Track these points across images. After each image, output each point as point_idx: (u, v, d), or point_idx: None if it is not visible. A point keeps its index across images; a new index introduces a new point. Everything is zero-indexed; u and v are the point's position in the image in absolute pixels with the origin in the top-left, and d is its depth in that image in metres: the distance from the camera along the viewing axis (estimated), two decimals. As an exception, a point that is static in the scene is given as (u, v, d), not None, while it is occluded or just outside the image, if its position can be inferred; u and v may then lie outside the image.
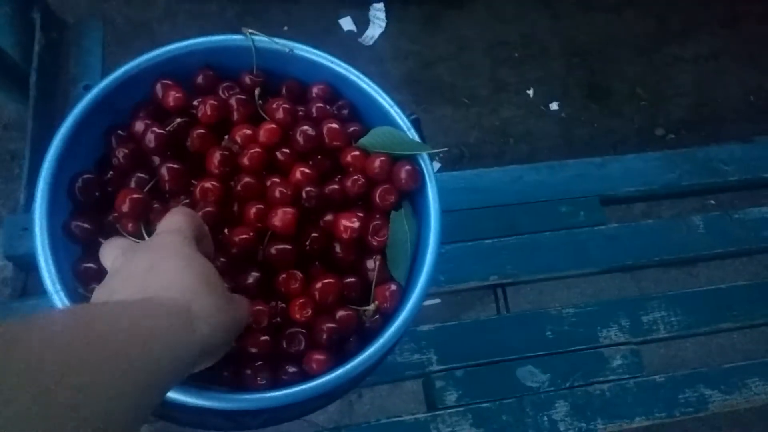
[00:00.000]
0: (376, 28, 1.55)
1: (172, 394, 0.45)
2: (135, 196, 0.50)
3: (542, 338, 0.80)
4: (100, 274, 0.48)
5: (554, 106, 1.59)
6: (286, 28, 1.46)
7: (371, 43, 1.54)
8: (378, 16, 1.56)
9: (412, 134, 0.55)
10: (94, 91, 0.53)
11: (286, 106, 0.54)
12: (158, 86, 0.54)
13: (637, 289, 0.92)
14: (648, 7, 1.72)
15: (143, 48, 0.55)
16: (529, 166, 0.89)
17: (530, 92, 1.59)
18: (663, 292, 0.85)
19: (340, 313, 0.51)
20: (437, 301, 1.09)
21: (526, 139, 1.53)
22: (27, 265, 0.76)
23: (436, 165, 1.35)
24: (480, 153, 1.49)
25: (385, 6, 1.57)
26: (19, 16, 0.93)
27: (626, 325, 0.82)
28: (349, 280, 0.52)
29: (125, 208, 0.50)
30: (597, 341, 0.81)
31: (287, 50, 0.56)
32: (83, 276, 0.50)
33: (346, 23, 1.54)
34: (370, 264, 0.53)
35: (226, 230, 0.51)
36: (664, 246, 0.87)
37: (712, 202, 1.11)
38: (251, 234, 0.50)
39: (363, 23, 1.56)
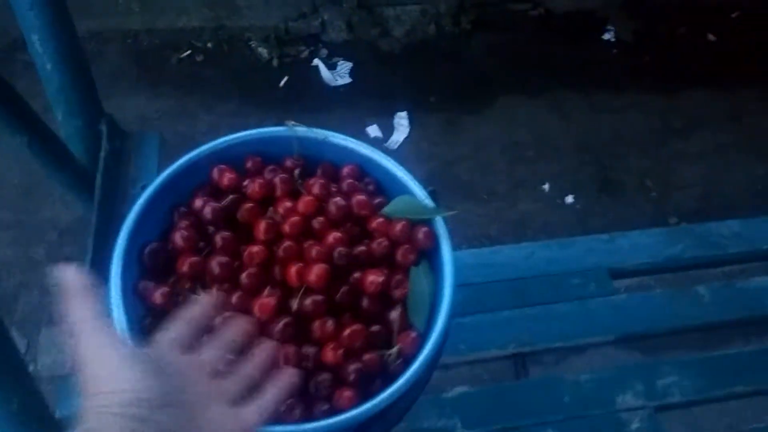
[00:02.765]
0: (400, 134, 1.69)
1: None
2: (193, 259, 0.60)
3: (560, 403, 0.85)
4: (156, 325, 0.57)
5: (569, 199, 1.68)
6: (317, 136, 1.61)
7: (396, 147, 1.68)
8: (402, 123, 1.71)
9: (428, 202, 0.64)
10: (163, 176, 0.64)
11: (322, 181, 0.64)
12: (215, 170, 0.65)
13: (650, 355, 0.97)
14: (651, 108, 1.85)
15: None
16: (541, 243, 0.97)
17: (546, 187, 1.69)
18: (675, 357, 0.90)
19: (367, 357, 0.58)
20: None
21: (544, 231, 1.61)
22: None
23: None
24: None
25: (408, 114, 1.72)
26: (88, 128, 1.07)
27: (642, 390, 0.87)
28: (374, 328, 0.59)
29: (185, 269, 0.59)
30: (614, 405, 0.85)
31: (322, 138, 0.67)
32: (144, 332, 0.58)
33: (373, 130, 1.69)
34: (393, 314, 0.61)
35: (267, 288, 0.60)
36: (672, 315, 0.93)
37: (715, 273, 1.16)
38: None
39: (388, 129, 1.71)
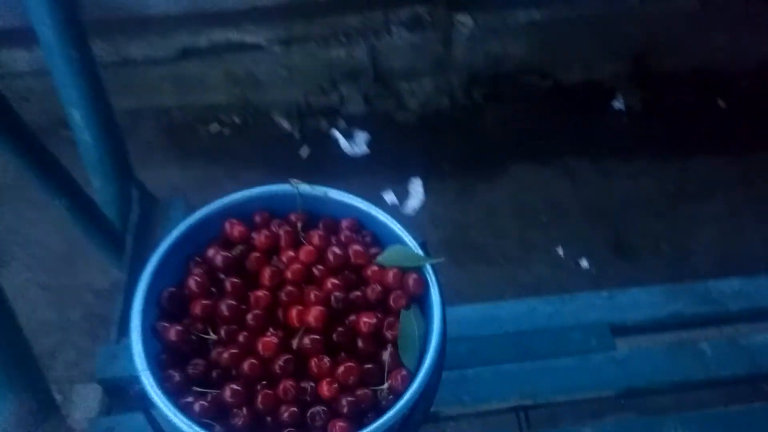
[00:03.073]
0: (415, 200, 1.77)
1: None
2: (204, 302, 0.66)
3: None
4: (170, 360, 0.63)
5: (584, 262, 1.71)
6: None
7: (411, 212, 1.74)
8: (416, 189, 1.78)
9: (419, 251, 0.70)
10: (179, 229, 0.71)
11: (321, 233, 0.71)
12: (227, 224, 0.72)
13: (652, 410, 0.98)
14: (663, 173, 1.90)
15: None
16: (543, 299, 1.01)
17: (559, 251, 1.73)
18: (678, 413, 0.91)
19: (360, 392, 0.62)
20: None
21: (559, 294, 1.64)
22: (113, 388, 0.90)
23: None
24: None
25: (422, 181, 1.80)
26: (121, 194, 1.16)
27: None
28: (368, 366, 0.64)
29: (197, 311, 0.65)
30: (616, 458, 0.87)
31: (323, 194, 0.74)
32: (161, 365, 0.64)
33: (389, 197, 1.76)
34: (385, 354, 0.65)
35: (271, 329, 0.65)
36: (674, 371, 0.94)
37: (717, 332, 1.17)
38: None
39: (404, 196, 1.78)
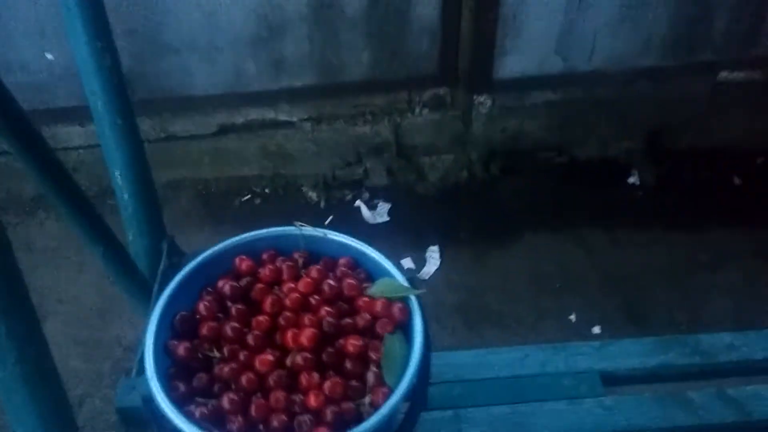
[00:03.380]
0: (432, 266, 1.84)
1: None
2: (211, 324, 0.75)
3: (550, 493, 0.90)
4: (178, 373, 0.71)
5: (596, 329, 1.75)
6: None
7: (427, 277, 1.82)
8: (433, 256, 1.86)
9: (405, 284, 0.78)
10: (194, 263, 0.81)
11: (319, 268, 0.80)
12: (237, 259, 0.82)
13: None
14: (677, 244, 1.94)
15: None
16: (536, 346, 1.06)
17: (572, 317, 1.77)
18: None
19: (344, 405, 0.69)
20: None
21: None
22: (130, 417, 0.98)
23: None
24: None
25: (439, 248, 1.89)
26: (152, 247, 1.27)
27: (630, 485, 0.91)
28: (353, 383, 0.71)
29: (204, 331, 0.74)
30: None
31: (322, 235, 0.84)
32: (169, 377, 0.72)
33: (407, 262, 1.85)
34: (370, 374, 0.72)
35: (269, 349, 0.74)
36: (663, 418, 0.98)
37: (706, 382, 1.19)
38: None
39: (421, 262, 1.86)
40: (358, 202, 2.03)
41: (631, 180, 2.16)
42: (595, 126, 2.19)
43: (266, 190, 2.08)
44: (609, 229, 1.99)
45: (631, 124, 2.20)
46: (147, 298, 1.25)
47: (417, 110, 2.13)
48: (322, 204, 2.04)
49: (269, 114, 2.06)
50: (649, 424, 0.97)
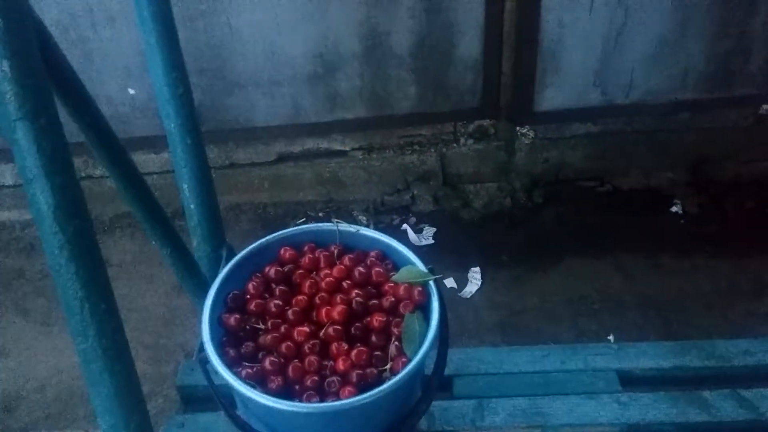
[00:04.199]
0: (473, 286, 1.93)
1: (269, 402, 0.75)
2: (258, 301, 0.88)
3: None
4: (229, 342, 0.84)
5: (634, 350, 1.78)
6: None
7: (469, 296, 1.91)
8: (475, 276, 1.95)
9: (425, 270, 0.89)
10: (247, 249, 0.94)
11: (352, 257, 0.92)
12: (281, 249, 0.95)
13: None
14: (718, 271, 1.96)
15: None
16: (557, 346, 1.14)
17: (611, 338, 1.82)
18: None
19: (368, 370, 0.80)
20: None
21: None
22: (187, 395, 1.11)
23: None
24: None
25: (480, 269, 1.97)
26: (213, 252, 1.42)
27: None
28: (377, 353, 0.82)
29: (252, 307, 0.87)
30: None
31: (356, 230, 0.96)
32: (221, 345, 0.85)
33: (449, 282, 1.94)
34: (392, 346, 0.83)
35: (306, 324, 0.86)
36: (676, 414, 1.03)
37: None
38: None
39: (463, 282, 1.95)
40: (404, 226, 2.15)
41: (674, 209, 2.20)
42: (636, 156, 2.25)
43: (320, 214, 2.22)
44: (650, 256, 2.03)
45: (673, 154, 2.25)
46: (204, 295, 1.39)
47: (462, 141, 2.25)
48: (371, 227, 2.17)
49: (324, 144, 2.22)
50: (663, 419, 1.03)
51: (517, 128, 2.21)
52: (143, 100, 2.08)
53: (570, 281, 1.96)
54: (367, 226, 2.16)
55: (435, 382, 0.86)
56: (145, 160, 2.18)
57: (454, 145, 2.25)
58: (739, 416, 1.02)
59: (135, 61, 1.99)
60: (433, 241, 2.10)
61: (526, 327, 1.85)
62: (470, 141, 2.25)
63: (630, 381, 1.10)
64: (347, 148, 2.23)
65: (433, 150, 2.24)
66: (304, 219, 2.21)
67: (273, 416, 0.80)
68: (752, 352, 1.12)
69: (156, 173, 2.19)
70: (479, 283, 1.94)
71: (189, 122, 1.30)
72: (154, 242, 1.29)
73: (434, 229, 2.14)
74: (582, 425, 1.02)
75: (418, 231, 2.13)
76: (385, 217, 2.20)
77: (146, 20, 1.08)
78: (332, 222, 0.97)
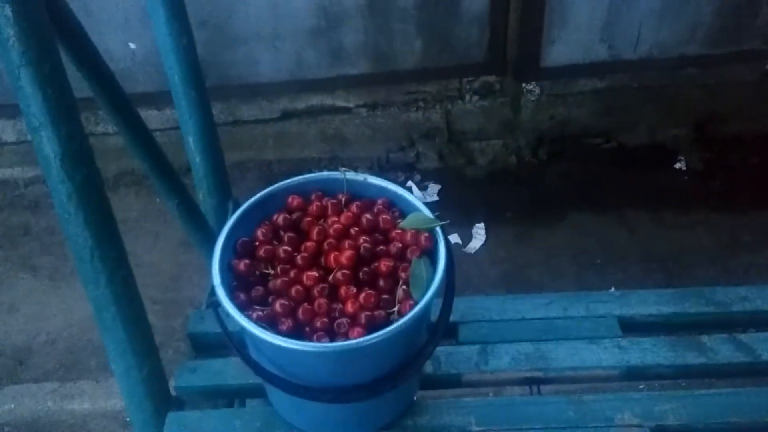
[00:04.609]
0: (477, 241, 1.95)
1: (280, 342, 0.77)
2: (267, 247, 0.89)
3: (566, 416, 0.99)
4: (239, 286, 0.85)
5: (636, 303, 1.81)
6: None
7: (473, 252, 1.93)
8: (479, 232, 1.97)
9: (432, 217, 0.90)
10: (255, 197, 0.95)
11: (359, 204, 0.93)
12: (289, 197, 0.96)
13: (649, 387, 1.07)
14: (720, 226, 1.98)
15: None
16: (559, 294, 1.16)
17: (612, 291, 1.83)
18: (675, 393, 1.02)
19: (376, 312, 0.82)
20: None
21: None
22: (198, 342, 1.14)
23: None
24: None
25: (485, 225, 1.99)
26: (219, 205, 1.43)
27: (639, 412, 0.99)
28: (384, 296, 0.84)
29: (261, 253, 0.88)
30: (612, 422, 0.98)
31: (363, 179, 0.97)
32: (232, 290, 0.86)
33: (453, 238, 1.96)
34: (399, 290, 0.85)
35: (314, 269, 0.87)
36: (674, 357, 1.05)
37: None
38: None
39: (467, 238, 1.97)
40: (409, 183, 2.16)
41: (678, 165, 2.21)
42: (642, 112, 2.25)
43: (324, 171, 2.23)
44: (653, 211, 2.05)
45: (679, 110, 2.24)
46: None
47: (467, 97, 2.25)
48: (376, 184, 2.17)
49: (328, 100, 2.22)
50: (662, 362, 1.05)
51: (523, 84, 2.20)
52: (144, 55, 2.07)
53: (574, 237, 1.98)
54: (372, 182, 2.16)
55: (441, 326, 0.88)
56: (147, 117, 2.16)
57: (460, 101, 2.24)
58: (736, 359, 1.04)
59: (134, 14, 1.97)
60: (437, 198, 2.11)
61: (530, 281, 1.87)
62: (475, 98, 2.24)
63: (631, 327, 1.12)
64: (351, 105, 2.22)
65: (438, 107, 2.24)
66: (308, 176, 2.21)
67: (284, 357, 0.82)
68: (750, 298, 1.13)
69: (158, 130, 2.19)
70: (483, 238, 1.96)
71: (193, 73, 1.29)
72: (161, 195, 1.30)
73: (439, 186, 2.14)
74: (584, 368, 1.05)
75: (422, 188, 2.14)
76: (389, 174, 2.21)
77: (147, -33, 1.07)
78: (339, 171, 0.97)
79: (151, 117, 2.19)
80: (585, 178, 2.18)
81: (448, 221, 0.90)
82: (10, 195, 2.24)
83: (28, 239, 2.11)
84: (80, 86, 0.78)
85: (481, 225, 1.99)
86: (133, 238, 2.03)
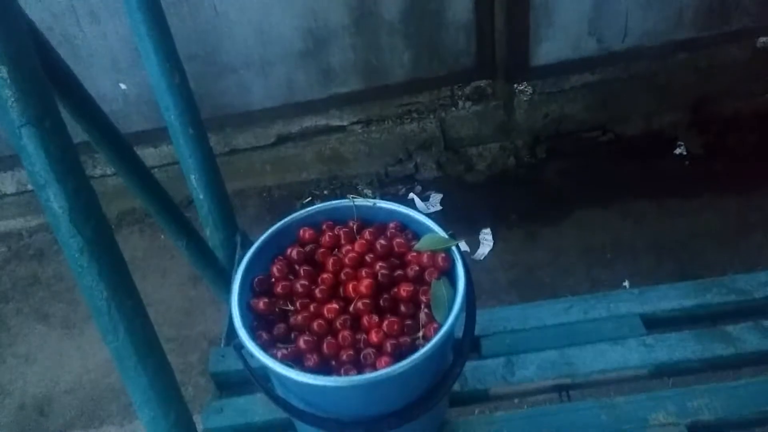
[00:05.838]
0: (485, 247, 1.94)
1: (309, 380, 0.76)
2: (284, 283, 0.88)
3: (598, 420, 0.98)
4: (260, 325, 0.85)
5: (651, 294, 1.80)
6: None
7: (482, 258, 1.92)
8: (486, 238, 1.96)
9: (446, 237, 0.89)
10: (266, 234, 0.94)
11: (372, 230, 0.92)
12: (300, 230, 0.95)
13: (682, 385, 1.06)
14: (726, 208, 1.97)
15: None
16: (578, 297, 1.15)
17: (626, 284, 1.83)
18: (707, 387, 1.01)
19: (401, 339, 0.81)
20: None
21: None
22: (220, 381, 1.13)
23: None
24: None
25: (491, 230, 1.98)
26: (227, 240, 1.42)
27: (674, 410, 0.98)
28: (407, 322, 0.83)
29: (279, 289, 0.88)
30: (647, 422, 0.97)
31: (372, 204, 0.96)
32: (253, 330, 0.86)
33: (462, 246, 1.95)
34: (422, 314, 0.84)
35: (334, 301, 0.86)
36: (702, 350, 1.04)
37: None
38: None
39: (475, 245, 1.96)
40: (411, 195, 2.15)
41: (678, 151, 2.20)
42: (636, 102, 2.25)
43: (325, 192, 2.23)
44: (658, 199, 2.04)
45: (673, 96, 2.24)
46: (227, 284, 1.40)
47: (460, 104, 2.24)
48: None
49: (322, 121, 2.21)
50: (690, 356, 1.04)
51: (515, 86, 2.20)
52: (136, 94, 2.06)
53: (581, 233, 1.97)
54: (373, 198, 2.16)
55: (467, 344, 0.87)
56: (144, 155, 2.16)
57: (453, 109, 2.24)
58: (764, 346, 1.04)
59: (123, 55, 1.97)
60: (441, 207, 2.10)
61: (541, 282, 1.86)
62: (468, 103, 2.24)
63: (654, 324, 1.11)
64: (345, 123, 2.22)
65: (431, 116, 2.23)
66: (309, 198, 2.21)
67: (313, 393, 0.81)
68: (772, 284, 1.13)
69: (156, 167, 2.19)
70: (491, 244, 1.95)
71: (189, 111, 1.29)
72: (168, 235, 1.29)
73: (441, 195, 2.14)
74: (612, 370, 1.04)
75: (425, 199, 2.14)
76: (390, 188, 2.21)
77: (134, 11, 1.07)
78: (347, 198, 0.97)
79: (148, 155, 2.18)
80: (585, 172, 2.17)
81: (462, 240, 0.90)
82: (15, 246, 2.23)
83: (37, 288, 2.10)
84: (73, 130, 0.77)
85: (488, 230, 1.98)
86: (141, 277, 2.02)
